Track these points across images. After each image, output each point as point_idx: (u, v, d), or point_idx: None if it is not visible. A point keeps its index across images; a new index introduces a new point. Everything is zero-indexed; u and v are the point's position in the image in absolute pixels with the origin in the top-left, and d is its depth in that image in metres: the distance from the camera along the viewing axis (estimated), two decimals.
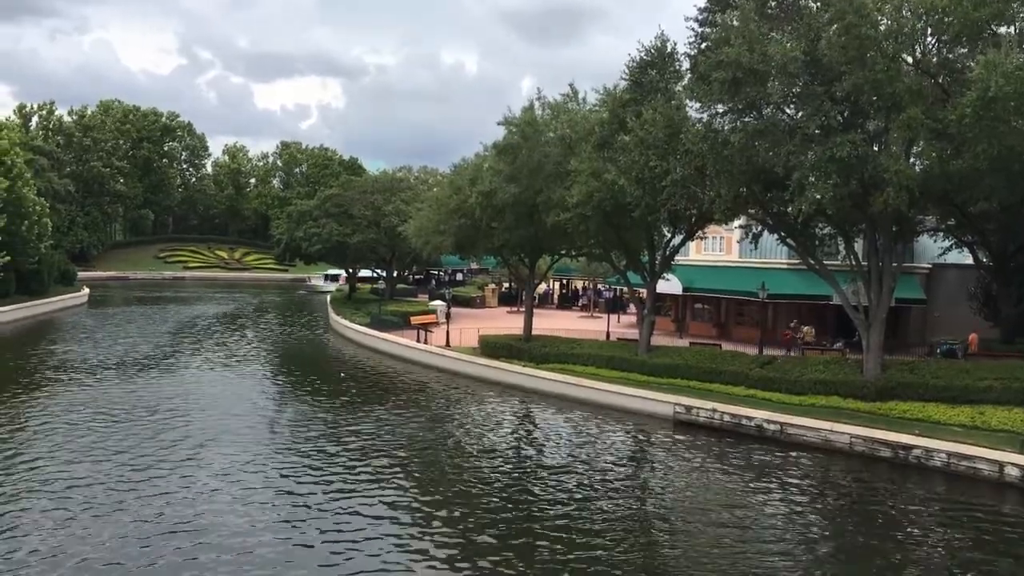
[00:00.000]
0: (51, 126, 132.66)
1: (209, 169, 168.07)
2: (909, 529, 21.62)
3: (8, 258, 60.22)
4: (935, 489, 24.93)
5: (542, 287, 71.88)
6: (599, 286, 72.72)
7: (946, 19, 27.36)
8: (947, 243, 41.14)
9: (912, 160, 29.89)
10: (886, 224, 31.83)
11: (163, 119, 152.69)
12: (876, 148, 29.52)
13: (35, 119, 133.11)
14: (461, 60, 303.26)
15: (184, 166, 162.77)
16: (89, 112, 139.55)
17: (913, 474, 26.09)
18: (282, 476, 23.99)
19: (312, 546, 18.92)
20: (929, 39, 28.95)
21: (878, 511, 22.90)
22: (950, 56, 29.27)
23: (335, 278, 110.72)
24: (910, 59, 28.92)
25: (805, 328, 43.42)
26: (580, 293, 78.66)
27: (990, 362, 34.49)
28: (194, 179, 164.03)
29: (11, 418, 30.28)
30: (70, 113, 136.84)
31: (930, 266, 45.27)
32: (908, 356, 37.95)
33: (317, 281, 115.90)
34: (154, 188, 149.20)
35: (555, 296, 78.89)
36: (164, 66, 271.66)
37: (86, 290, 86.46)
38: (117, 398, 34.43)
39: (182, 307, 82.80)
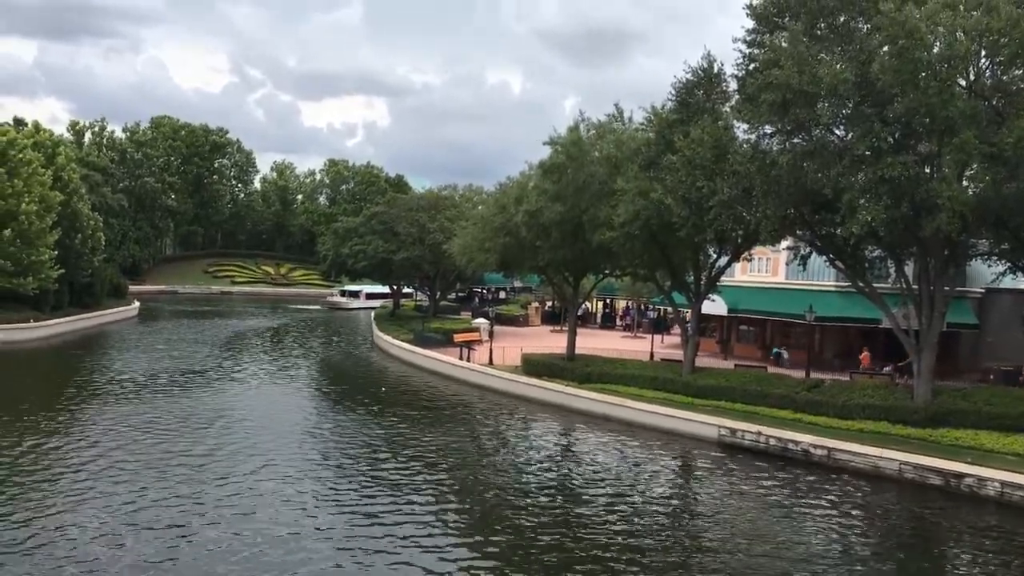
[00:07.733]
0: (104, 142, 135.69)
1: (257, 185, 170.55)
2: (957, 558, 21.14)
3: (62, 271, 61.59)
4: (987, 518, 24.34)
5: (584, 306, 71.66)
6: (643, 306, 72.31)
7: (1001, 40, 27.02)
8: (1001, 267, 40.25)
9: (965, 184, 29.40)
10: (938, 248, 31.35)
11: (212, 136, 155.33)
12: (928, 170, 29.10)
13: (88, 135, 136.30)
14: (505, 80, 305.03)
15: (233, 182, 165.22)
16: (141, 128, 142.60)
17: (965, 503, 25.50)
18: (320, 488, 24.23)
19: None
20: (983, 61, 28.56)
21: (927, 539, 22.44)
22: (1005, 78, 28.84)
23: (355, 295, 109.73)
24: (963, 82, 28.53)
25: None
26: (623, 313, 78.19)
27: None
28: (242, 195, 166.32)
29: (63, 429, 30.93)
30: (124, 130, 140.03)
31: (983, 291, 44.30)
32: (960, 382, 37.15)
33: (336, 297, 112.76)
34: (204, 204, 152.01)
35: (597, 316, 78.55)
36: (215, 84, 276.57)
37: (136, 303, 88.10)
38: (165, 411, 34.99)
39: (229, 320, 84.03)
